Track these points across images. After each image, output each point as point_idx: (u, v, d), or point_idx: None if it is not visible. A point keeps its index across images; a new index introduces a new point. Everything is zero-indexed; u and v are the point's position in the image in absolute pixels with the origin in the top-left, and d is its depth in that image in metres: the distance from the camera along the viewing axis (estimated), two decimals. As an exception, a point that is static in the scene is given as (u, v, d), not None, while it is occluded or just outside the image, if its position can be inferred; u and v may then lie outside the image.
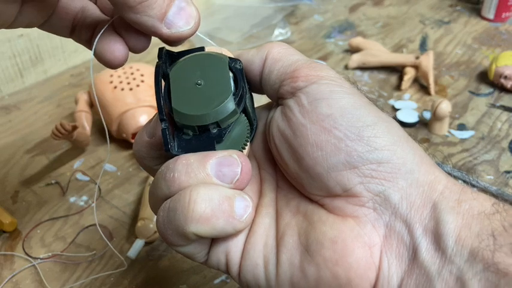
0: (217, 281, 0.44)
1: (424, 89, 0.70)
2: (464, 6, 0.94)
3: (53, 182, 0.56)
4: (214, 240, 0.27)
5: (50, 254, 0.47)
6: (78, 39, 0.33)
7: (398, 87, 0.70)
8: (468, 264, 0.21)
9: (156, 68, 0.28)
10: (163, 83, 0.28)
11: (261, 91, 0.30)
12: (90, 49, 0.30)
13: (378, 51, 0.74)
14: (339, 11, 0.95)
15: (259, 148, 0.30)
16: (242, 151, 0.27)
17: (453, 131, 0.62)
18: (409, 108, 0.65)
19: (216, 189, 0.25)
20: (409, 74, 0.69)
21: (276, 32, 0.86)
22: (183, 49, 0.30)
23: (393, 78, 0.73)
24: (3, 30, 0.69)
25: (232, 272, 0.28)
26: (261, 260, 0.27)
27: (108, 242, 0.46)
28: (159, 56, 0.29)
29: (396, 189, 0.24)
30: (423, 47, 0.82)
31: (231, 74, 0.28)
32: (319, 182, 0.26)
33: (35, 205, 0.53)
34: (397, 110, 0.65)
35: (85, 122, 0.60)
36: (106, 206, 0.53)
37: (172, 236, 0.26)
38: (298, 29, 0.89)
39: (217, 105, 0.27)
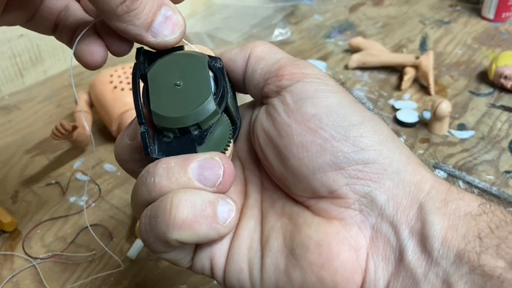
0: (217, 281, 0.44)
1: (424, 89, 0.70)
2: (464, 6, 0.94)
3: (53, 182, 0.56)
4: (198, 245, 0.27)
5: (50, 254, 0.47)
6: (59, 38, 0.32)
7: (398, 87, 0.70)
8: (454, 266, 0.21)
9: (133, 69, 0.28)
10: (142, 84, 0.28)
11: (244, 90, 0.30)
12: (71, 48, 0.30)
13: (378, 51, 0.74)
14: (339, 11, 0.95)
15: (243, 148, 0.30)
16: (224, 152, 0.27)
17: (453, 131, 0.62)
18: (409, 108, 0.65)
19: (198, 194, 0.24)
20: (409, 74, 0.69)
21: (276, 32, 0.86)
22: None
23: (393, 78, 0.73)
24: (3, 29, 0.69)
25: (217, 276, 0.27)
26: (245, 264, 0.26)
27: (100, 242, 0.45)
28: (137, 56, 0.28)
29: (382, 190, 0.24)
30: (423, 47, 0.82)
31: (211, 74, 0.27)
32: (304, 183, 0.25)
33: (35, 205, 0.53)
34: (397, 110, 0.65)
35: (85, 122, 0.60)
36: (106, 206, 0.53)
37: (154, 243, 0.25)
38: (298, 29, 0.89)
39: (197, 106, 0.26)
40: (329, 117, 0.24)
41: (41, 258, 0.47)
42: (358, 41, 0.77)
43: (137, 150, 0.28)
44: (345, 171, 0.24)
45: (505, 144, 0.60)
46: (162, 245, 0.25)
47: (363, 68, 0.75)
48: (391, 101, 0.68)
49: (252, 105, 0.30)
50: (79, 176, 0.57)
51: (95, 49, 0.28)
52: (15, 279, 0.45)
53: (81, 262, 0.46)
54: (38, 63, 0.75)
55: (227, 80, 0.29)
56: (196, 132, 0.27)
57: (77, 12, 0.31)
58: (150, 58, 0.28)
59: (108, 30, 0.28)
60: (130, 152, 0.28)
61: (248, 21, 0.89)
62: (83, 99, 0.62)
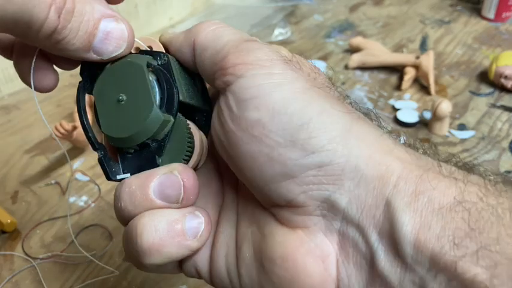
0: (217, 281, 0.44)
1: (425, 89, 0.70)
2: (465, 6, 0.94)
3: (52, 182, 0.56)
4: None
5: (49, 254, 0.47)
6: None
7: (398, 87, 0.70)
8: (431, 274, 0.19)
9: (77, 91, 0.26)
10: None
11: None
12: (7, 58, 0.28)
13: (378, 51, 0.74)
14: (339, 10, 0.94)
15: None
16: (188, 159, 0.25)
17: (453, 131, 0.61)
18: (409, 108, 0.65)
19: (162, 215, 0.24)
20: (409, 74, 0.69)
21: (276, 31, 0.86)
22: None
23: (393, 78, 0.73)
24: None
25: (206, 280, 0.27)
26: (225, 273, 0.26)
27: (82, 250, 0.45)
28: (81, 72, 0.26)
29: (343, 192, 0.21)
30: (423, 46, 0.81)
31: (151, 78, 0.25)
32: (261, 194, 0.23)
33: (34, 205, 0.53)
34: (397, 110, 0.65)
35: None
36: (106, 206, 0.53)
37: (136, 264, 0.25)
38: (298, 28, 0.88)
39: (142, 121, 0.24)
40: (273, 122, 0.22)
41: (41, 259, 0.47)
42: (358, 40, 0.77)
43: None
44: (298, 179, 0.22)
45: (505, 144, 0.59)
46: (142, 267, 0.25)
47: (363, 68, 0.75)
48: (392, 101, 0.68)
49: None
50: (79, 176, 0.57)
51: (43, 74, 0.26)
52: (15, 280, 0.45)
53: (81, 262, 0.46)
54: (37, 63, 0.75)
55: (177, 73, 0.26)
56: (154, 144, 0.25)
57: None
58: (93, 72, 0.26)
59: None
60: None
61: (248, 21, 0.89)
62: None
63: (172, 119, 0.25)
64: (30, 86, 0.26)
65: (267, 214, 0.24)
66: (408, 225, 0.20)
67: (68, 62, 0.26)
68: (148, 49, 0.27)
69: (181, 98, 0.25)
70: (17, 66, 0.27)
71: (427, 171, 0.21)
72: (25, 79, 0.26)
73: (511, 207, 0.19)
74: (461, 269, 0.18)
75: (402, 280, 0.20)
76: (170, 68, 0.25)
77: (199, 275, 0.27)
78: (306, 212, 0.22)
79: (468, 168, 0.22)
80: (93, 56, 0.25)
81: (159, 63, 0.25)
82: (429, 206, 0.20)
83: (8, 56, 0.28)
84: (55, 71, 0.27)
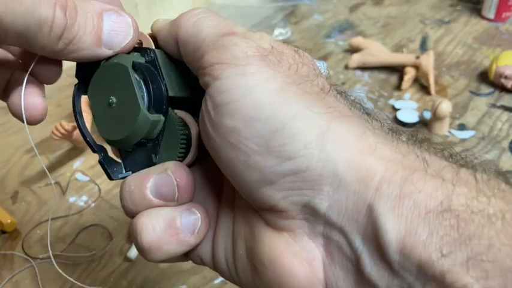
0: (217, 281, 0.44)
1: (425, 88, 0.70)
2: (465, 6, 0.94)
3: (52, 182, 0.56)
4: None
5: (49, 254, 0.47)
6: None
7: (398, 87, 0.70)
8: (419, 282, 0.18)
9: (73, 93, 0.27)
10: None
11: None
12: (3, 100, 0.27)
13: (378, 51, 0.74)
14: (339, 10, 0.94)
15: None
16: (183, 155, 0.25)
17: (453, 131, 0.61)
18: (409, 108, 0.65)
19: (159, 214, 0.24)
20: (410, 73, 0.69)
21: (276, 31, 0.86)
22: None
23: (393, 78, 0.73)
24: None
25: (210, 268, 0.27)
26: (224, 264, 0.26)
27: (54, 261, 0.45)
28: (76, 74, 0.27)
29: (322, 197, 0.21)
30: (423, 46, 0.81)
31: (138, 78, 0.25)
32: (247, 197, 0.23)
33: (34, 205, 0.53)
34: (397, 110, 0.65)
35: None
36: (106, 206, 0.53)
37: (143, 257, 0.26)
38: (298, 28, 0.88)
39: (132, 124, 0.24)
40: (247, 129, 0.21)
41: (41, 259, 0.47)
42: (358, 40, 0.77)
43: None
44: (277, 186, 0.21)
45: (505, 144, 0.59)
46: (148, 260, 0.26)
47: (363, 68, 0.75)
48: (392, 101, 0.68)
49: None
50: (79, 176, 0.57)
51: (32, 102, 0.26)
52: (15, 280, 0.45)
53: (81, 262, 0.46)
54: (37, 63, 0.75)
55: (165, 67, 0.25)
56: (149, 143, 0.25)
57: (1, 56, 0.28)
58: (87, 74, 0.26)
59: (32, 60, 0.25)
60: None
61: (248, 21, 0.89)
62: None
63: (162, 118, 0.25)
64: (22, 120, 0.27)
65: (257, 216, 0.24)
66: (393, 232, 0.19)
67: (49, 70, 0.26)
68: (137, 45, 0.26)
69: (171, 93, 0.25)
70: (7, 100, 0.27)
71: (413, 172, 0.20)
72: (19, 116, 0.27)
73: (503, 209, 0.18)
74: (450, 279, 0.17)
75: (390, 285, 0.19)
76: (157, 64, 0.25)
77: (204, 264, 0.28)
78: (289, 216, 0.22)
79: (462, 163, 0.21)
80: (106, 51, 0.25)
81: (147, 59, 0.25)
82: (415, 210, 0.19)
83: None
84: (43, 98, 0.27)
